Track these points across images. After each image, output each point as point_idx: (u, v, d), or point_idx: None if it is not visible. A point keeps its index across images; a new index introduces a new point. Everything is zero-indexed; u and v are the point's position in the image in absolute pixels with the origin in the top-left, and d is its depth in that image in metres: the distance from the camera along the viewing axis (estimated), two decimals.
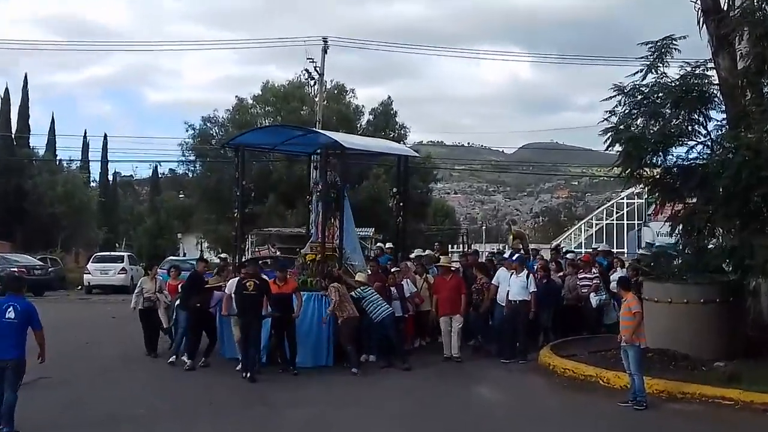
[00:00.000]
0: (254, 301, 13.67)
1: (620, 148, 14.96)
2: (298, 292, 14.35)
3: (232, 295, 14.03)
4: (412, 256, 19.56)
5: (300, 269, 16.47)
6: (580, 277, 17.75)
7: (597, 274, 17.72)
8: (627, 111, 15.19)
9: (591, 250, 24.52)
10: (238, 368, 13.76)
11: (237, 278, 14.29)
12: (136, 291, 16.41)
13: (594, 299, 17.25)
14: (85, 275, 38.24)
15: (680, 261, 15.38)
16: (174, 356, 15.10)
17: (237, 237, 18.15)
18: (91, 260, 39.59)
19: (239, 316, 13.90)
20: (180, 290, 15.91)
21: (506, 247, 21.13)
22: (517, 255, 17.50)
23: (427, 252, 20.68)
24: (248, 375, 13.18)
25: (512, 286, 15.28)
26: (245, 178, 18.24)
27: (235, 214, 17.89)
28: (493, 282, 15.99)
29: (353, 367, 14.00)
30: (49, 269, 37.54)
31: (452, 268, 16.49)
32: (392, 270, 16.55)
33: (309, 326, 14.50)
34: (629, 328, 11.32)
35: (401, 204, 17.98)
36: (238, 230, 17.95)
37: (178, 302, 15.68)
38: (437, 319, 15.86)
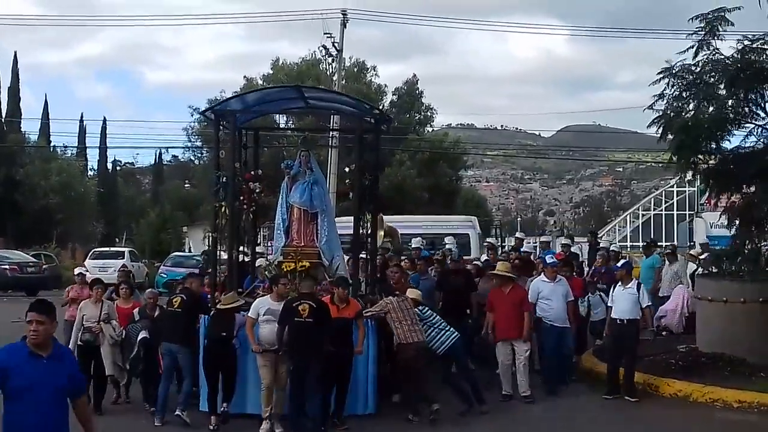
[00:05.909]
0: (311, 331, 10.60)
1: (671, 137, 14.92)
2: (361, 318, 11.40)
3: (260, 323, 11.05)
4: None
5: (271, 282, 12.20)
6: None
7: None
8: (677, 94, 15.10)
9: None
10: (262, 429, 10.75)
11: (265, 296, 11.51)
12: (77, 319, 12.58)
13: (582, 306, 15.05)
14: None
15: (738, 257, 15.30)
16: (157, 414, 11.39)
17: (216, 239, 13.36)
18: (88, 256, 39.76)
19: (291, 355, 10.78)
20: (136, 317, 12.55)
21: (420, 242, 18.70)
22: (624, 261, 16.11)
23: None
24: None
25: (620, 300, 13.08)
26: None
27: (222, 207, 13.09)
28: (530, 298, 13.41)
29: (411, 413, 11.49)
30: (44, 266, 37.84)
31: (511, 278, 13.34)
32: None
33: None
34: None
35: (374, 193, 13.86)
36: (229, 227, 13.09)
37: (143, 335, 12.05)
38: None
